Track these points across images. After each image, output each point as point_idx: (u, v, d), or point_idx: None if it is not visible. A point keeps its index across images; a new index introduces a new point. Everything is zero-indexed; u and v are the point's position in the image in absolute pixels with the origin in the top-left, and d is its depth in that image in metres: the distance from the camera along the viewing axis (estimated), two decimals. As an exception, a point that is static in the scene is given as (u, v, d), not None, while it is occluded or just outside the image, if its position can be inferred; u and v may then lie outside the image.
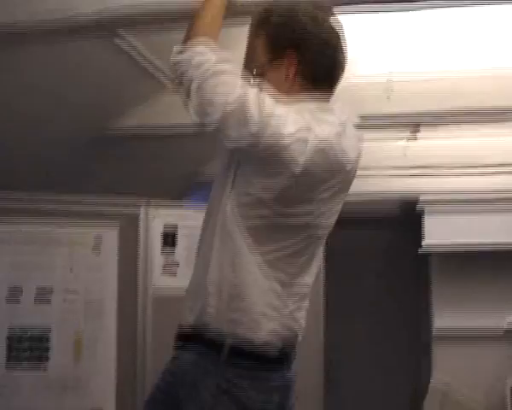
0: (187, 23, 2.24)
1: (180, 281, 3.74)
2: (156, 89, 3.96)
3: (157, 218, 3.92)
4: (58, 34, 2.66)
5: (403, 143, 4.92)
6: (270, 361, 2.13)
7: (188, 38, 2.13)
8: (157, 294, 3.92)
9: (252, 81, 2.10)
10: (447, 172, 5.21)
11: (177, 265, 3.98)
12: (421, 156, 5.03)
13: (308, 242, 2.16)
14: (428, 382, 6.40)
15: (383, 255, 7.43)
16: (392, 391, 7.15)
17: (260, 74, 2.12)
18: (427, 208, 6.19)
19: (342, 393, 6.47)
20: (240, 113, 1.97)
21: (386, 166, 5.07)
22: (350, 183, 2.21)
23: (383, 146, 4.97)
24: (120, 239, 3.82)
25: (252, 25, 2.19)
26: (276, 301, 2.11)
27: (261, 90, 2.03)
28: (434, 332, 6.61)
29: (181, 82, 2.09)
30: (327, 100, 2.14)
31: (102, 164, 4.44)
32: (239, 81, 2.03)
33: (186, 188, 5.59)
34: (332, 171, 2.09)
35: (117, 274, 3.82)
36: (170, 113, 4.03)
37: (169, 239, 3.96)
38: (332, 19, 2.15)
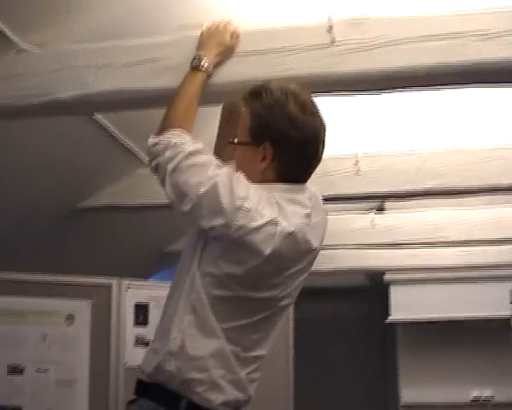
0: (164, 106, 2.34)
1: None
2: (133, 164, 4.01)
3: (129, 293, 3.98)
4: (37, 114, 2.72)
5: (371, 215, 5.04)
6: None
7: (164, 125, 2.21)
8: (129, 367, 3.93)
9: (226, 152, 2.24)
10: (413, 245, 5.24)
11: (149, 339, 3.96)
12: (388, 229, 5.06)
13: (269, 316, 2.20)
14: None
15: (352, 325, 7.44)
16: None
17: (238, 148, 2.18)
18: (393, 280, 6.34)
19: None
20: (212, 200, 2.03)
21: (355, 239, 5.10)
22: (312, 263, 2.26)
23: (352, 218, 5.05)
24: (93, 314, 3.87)
25: (243, 97, 2.22)
26: (233, 369, 2.15)
27: (234, 171, 2.09)
28: (401, 404, 6.69)
29: (156, 164, 2.15)
30: (297, 191, 2.17)
31: (76, 239, 4.46)
32: (211, 170, 2.07)
33: (157, 263, 5.62)
34: (294, 259, 2.14)
35: (89, 348, 3.86)
36: (144, 189, 4.05)
37: (141, 313, 4.02)
38: (315, 113, 2.18)
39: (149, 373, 2.18)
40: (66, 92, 2.54)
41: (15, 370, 3.64)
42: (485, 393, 6.47)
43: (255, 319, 2.17)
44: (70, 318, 3.81)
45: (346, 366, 7.35)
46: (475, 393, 6.53)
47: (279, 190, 2.12)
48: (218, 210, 2.02)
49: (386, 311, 6.44)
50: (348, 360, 7.38)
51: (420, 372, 6.65)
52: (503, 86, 2.48)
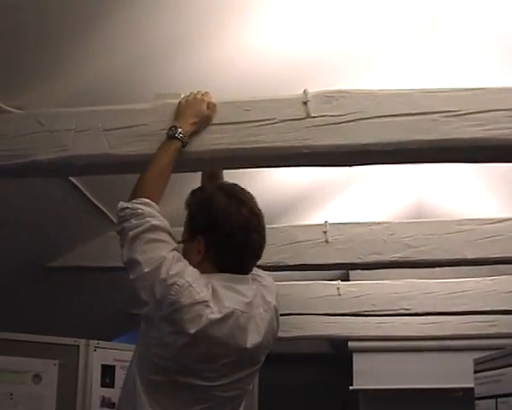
0: (141, 172, 2.40)
1: None
2: (104, 226, 4.00)
3: (96, 354, 3.97)
4: (15, 174, 2.73)
5: (337, 283, 5.08)
6: None
7: (135, 192, 2.29)
8: None
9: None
10: (377, 314, 5.25)
11: (115, 400, 3.91)
12: (353, 297, 5.10)
13: (214, 407, 2.19)
14: None
15: (316, 391, 7.45)
16: None
17: (183, 246, 2.25)
18: (356, 349, 6.37)
19: None
20: (152, 277, 2.10)
21: (321, 307, 5.13)
22: (257, 359, 2.27)
23: (318, 286, 5.09)
24: (60, 374, 3.84)
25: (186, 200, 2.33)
26: None
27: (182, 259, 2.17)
28: None
29: (121, 228, 2.22)
30: (236, 281, 2.22)
31: (43, 298, 4.44)
32: (165, 251, 2.15)
33: (123, 325, 5.60)
34: (229, 346, 2.15)
35: (55, 408, 3.82)
36: (114, 251, 4.02)
37: (107, 375, 4.00)
38: (253, 206, 2.27)
39: None
40: (45, 155, 2.57)
41: (-19, 426, 3.60)
42: None
43: (198, 408, 2.17)
44: (37, 377, 3.76)
45: None
46: None
47: (218, 279, 2.18)
48: (156, 285, 2.09)
49: (349, 378, 6.45)
50: None
51: None
52: (470, 162, 2.56)
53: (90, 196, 3.66)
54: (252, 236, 2.22)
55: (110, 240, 4.07)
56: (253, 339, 2.21)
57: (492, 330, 5.51)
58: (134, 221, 2.19)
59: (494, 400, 4.07)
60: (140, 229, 2.17)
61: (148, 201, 2.24)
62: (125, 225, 2.20)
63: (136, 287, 2.15)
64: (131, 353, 3.45)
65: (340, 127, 2.37)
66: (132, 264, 2.16)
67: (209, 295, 2.11)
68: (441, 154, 2.36)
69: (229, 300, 2.15)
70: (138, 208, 2.21)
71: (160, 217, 2.22)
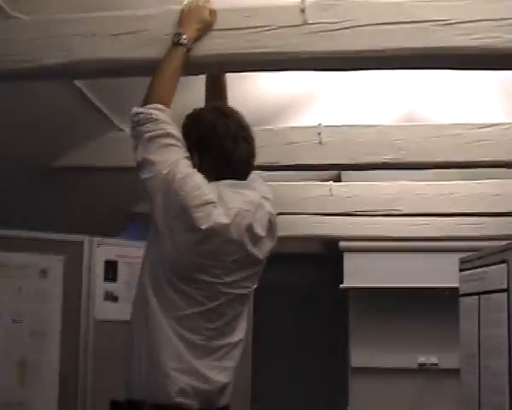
0: (146, 75, 2.53)
1: (121, 306, 4.08)
2: (105, 127, 4.11)
3: (99, 250, 4.11)
4: (23, 78, 2.83)
5: (329, 184, 5.15)
6: None
7: (147, 97, 2.45)
8: (99, 319, 4.09)
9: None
10: (367, 215, 5.33)
11: (117, 294, 4.17)
12: (345, 198, 5.17)
13: (224, 304, 2.37)
14: None
15: (306, 290, 7.60)
16: None
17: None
18: (347, 248, 6.48)
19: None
20: (166, 180, 2.27)
21: (313, 207, 5.21)
22: (260, 258, 2.47)
23: (311, 187, 5.16)
24: (65, 269, 3.99)
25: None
26: (186, 358, 2.32)
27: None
28: (351, 367, 6.84)
29: (136, 131, 2.40)
30: (239, 186, 2.41)
31: (47, 197, 4.53)
32: (179, 155, 2.35)
33: (123, 222, 5.75)
34: (234, 244, 2.34)
35: (61, 301, 3.97)
36: (114, 151, 4.18)
37: (110, 270, 4.15)
38: (240, 120, 2.47)
39: (124, 383, 2.40)
40: (53, 59, 2.66)
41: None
42: (431, 359, 6.65)
43: (209, 306, 2.34)
44: (43, 272, 3.90)
45: (299, 330, 7.51)
46: (422, 359, 6.70)
47: (222, 184, 2.36)
48: (169, 187, 2.27)
49: (339, 278, 6.57)
50: (302, 324, 7.52)
51: (370, 337, 6.78)
52: (459, 69, 2.69)
53: (90, 97, 3.71)
54: (240, 144, 2.43)
55: (110, 141, 4.21)
56: (257, 238, 2.41)
57: (480, 232, 5.56)
58: (149, 125, 2.36)
59: (477, 296, 4.24)
60: (156, 133, 2.35)
61: (161, 107, 2.40)
62: (141, 128, 2.38)
63: (148, 187, 2.32)
64: (133, 249, 3.66)
65: (335, 34, 2.47)
66: (146, 164, 2.32)
67: (216, 198, 2.29)
68: (431, 61, 2.47)
69: (234, 201, 2.34)
70: (152, 114, 2.38)
71: (173, 125, 2.39)
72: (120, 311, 4.03)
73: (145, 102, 2.45)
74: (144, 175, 2.34)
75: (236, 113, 2.51)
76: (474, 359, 4.21)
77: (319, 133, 3.88)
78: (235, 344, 2.46)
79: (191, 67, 2.57)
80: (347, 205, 5.21)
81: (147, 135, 2.36)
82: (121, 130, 4.16)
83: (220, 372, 2.40)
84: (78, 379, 3.95)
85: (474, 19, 2.39)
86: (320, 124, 3.89)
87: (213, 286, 2.34)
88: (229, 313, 2.41)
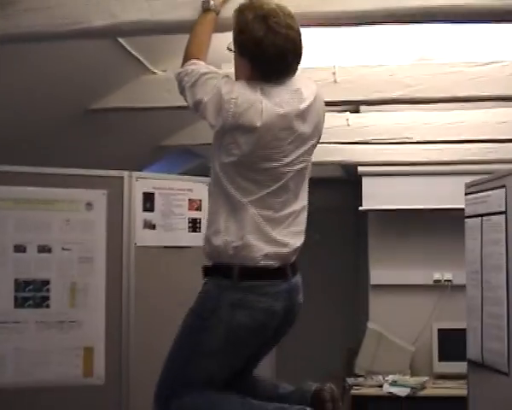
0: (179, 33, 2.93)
1: (158, 233, 4.41)
2: (138, 71, 4.39)
3: (138, 184, 4.38)
4: (71, 38, 3.17)
5: (346, 115, 5.44)
6: (270, 277, 2.79)
7: (185, 58, 2.86)
8: (139, 245, 4.36)
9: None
10: (383, 143, 5.64)
11: (155, 222, 4.44)
12: (361, 128, 5.47)
13: (288, 181, 2.78)
14: (365, 326, 6.94)
15: (328, 213, 7.67)
16: (335, 334, 7.78)
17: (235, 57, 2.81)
18: (365, 173, 6.67)
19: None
20: (212, 102, 2.70)
21: (332, 136, 5.42)
22: (312, 136, 2.85)
23: (329, 117, 5.45)
24: (108, 202, 4.26)
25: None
26: (265, 231, 2.76)
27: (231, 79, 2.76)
28: (371, 284, 7.11)
29: (181, 86, 2.83)
30: (281, 83, 2.75)
31: (85, 137, 4.92)
32: (216, 81, 2.73)
33: (154, 156, 6.14)
34: (287, 129, 2.72)
35: (105, 231, 4.26)
36: (146, 93, 4.49)
37: (148, 201, 4.40)
38: (286, 23, 2.71)
39: (208, 255, 2.83)
40: (97, 21, 3.00)
41: (44, 249, 4.06)
42: (446, 276, 6.87)
43: (275, 187, 2.76)
44: (89, 205, 4.19)
45: (321, 251, 7.62)
46: (437, 276, 6.92)
47: (266, 83, 2.73)
48: (218, 108, 2.69)
49: (358, 201, 6.76)
50: (323, 245, 7.66)
51: (388, 256, 7.01)
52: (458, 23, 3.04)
53: (125, 45, 3.98)
54: (288, 56, 2.72)
55: (143, 83, 4.52)
56: (305, 118, 2.79)
57: (491, 156, 5.80)
58: (187, 78, 2.78)
59: (480, 218, 4.60)
60: (192, 80, 2.76)
61: (194, 61, 2.80)
62: (183, 84, 2.80)
63: (205, 117, 2.73)
64: (167, 181, 4.07)
65: None
66: (197, 104, 2.75)
67: (260, 95, 2.69)
68: (433, 17, 2.82)
69: (280, 94, 2.74)
70: (188, 69, 2.79)
71: (206, 66, 2.80)
72: (157, 237, 4.40)
73: (184, 61, 2.86)
74: (199, 113, 2.77)
75: (282, 14, 2.71)
76: (478, 274, 4.59)
77: (334, 73, 4.18)
78: (300, 210, 2.88)
79: (220, 27, 2.93)
80: (363, 134, 5.51)
81: (187, 85, 2.78)
82: (153, 73, 4.49)
83: (293, 237, 2.84)
84: (122, 300, 4.27)
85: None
86: (335, 64, 4.20)
87: (276, 169, 2.75)
88: (292, 186, 2.81)
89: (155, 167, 6.34)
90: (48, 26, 3.07)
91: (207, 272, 2.86)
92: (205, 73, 2.77)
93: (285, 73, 2.78)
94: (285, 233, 2.81)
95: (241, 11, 2.76)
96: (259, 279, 2.77)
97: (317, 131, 2.90)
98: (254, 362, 3.01)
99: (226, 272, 2.77)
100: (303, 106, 2.78)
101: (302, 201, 2.89)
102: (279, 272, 2.81)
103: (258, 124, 2.66)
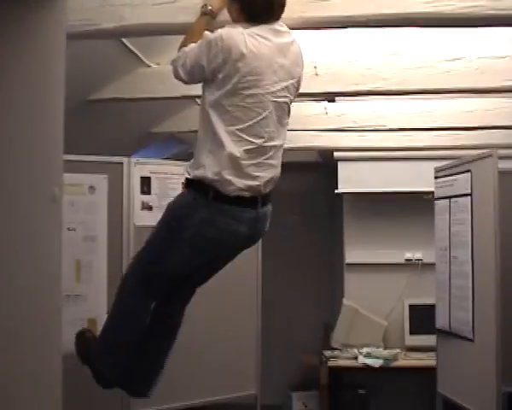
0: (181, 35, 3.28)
1: (155, 214, 4.62)
2: (134, 64, 4.65)
3: (136, 169, 4.73)
4: (84, 38, 3.45)
5: (324, 104, 5.70)
6: (241, 204, 3.18)
7: (180, 48, 3.24)
8: (137, 225, 4.71)
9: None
10: (358, 130, 5.89)
11: (152, 204, 4.80)
12: (338, 115, 5.71)
13: (271, 113, 3.15)
14: (341, 303, 7.26)
15: (305, 196, 8.03)
16: (312, 310, 8.00)
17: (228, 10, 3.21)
18: (341, 158, 6.94)
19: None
20: (204, 52, 3.12)
21: (311, 123, 5.74)
22: (293, 75, 3.23)
23: (308, 106, 5.70)
24: (109, 185, 4.59)
25: None
26: (242, 169, 3.13)
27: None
28: (346, 263, 7.41)
29: (175, 72, 3.23)
30: (268, 23, 3.14)
31: (84, 125, 5.20)
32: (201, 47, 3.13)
33: (144, 141, 6.44)
34: (270, 58, 3.11)
35: (107, 212, 4.57)
36: (141, 84, 4.76)
37: (145, 184, 4.75)
38: None
39: (191, 176, 3.19)
40: (109, 24, 3.31)
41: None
42: (416, 255, 7.20)
43: (264, 115, 3.14)
44: (91, 188, 4.50)
45: (299, 233, 8.03)
46: (408, 255, 7.25)
47: (257, 27, 3.14)
48: (207, 51, 3.09)
49: (334, 184, 7.01)
50: (301, 227, 8.06)
51: (362, 237, 7.32)
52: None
53: (122, 40, 4.21)
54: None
55: (138, 75, 4.78)
56: (287, 55, 3.20)
57: (458, 143, 6.03)
58: (179, 62, 3.20)
59: (448, 200, 4.98)
60: (183, 58, 3.19)
61: (186, 49, 3.20)
62: (176, 68, 3.22)
63: (202, 71, 3.14)
64: (164, 166, 4.39)
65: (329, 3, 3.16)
66: (191, 72, 3.17)
67: (241, 29, 3.09)
68: (402, 23, 3.21)
69: (265, 33, 3.13)
70: (178, 55, 3.22)
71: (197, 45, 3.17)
72: (155, 218, 4.61)
73: (179, 50, 3.25)
74: (197, 77, 3.20)
75: None
76: (446, 251, 4.99)
77: (315, 66, 4.48)
78: (280, 147, 3.27)
79: (216, 28, 3.25)
80: (340, 122, 5.75)
81: (179, 64, 3.21)
82: (148, 66, 4.76)
83: (267, 170, 3.21)
84: (122, 273, 4.48)
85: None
86: (316, 59, 4.51)
87: (262, 96, 3.12)
88: (276, 119, 3.20)
89: (142, 153, 6.62)
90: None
91: (188, 184, 3.24)
92: (191, 50, 3.18)
93: (269, 18, 3.17)
94: (262, 165, 3.19)
95: None
96: (230, 204, 3.16)
97: (297, 72, 3.28)
98: (195, 281, 3.47)
99: (203, 191, 3.15)
100: (283, 41, 3.17)
101: (282, 138, 3.28)
102: (250, 200, 3.20)
103: (244, 50, 3.05)
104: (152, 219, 4.66)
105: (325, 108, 5.77)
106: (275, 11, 3.16)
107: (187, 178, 3.24)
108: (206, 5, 3.21)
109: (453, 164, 4.93)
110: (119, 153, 4.84)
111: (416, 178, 6.66)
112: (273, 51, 3.13)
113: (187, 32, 3.26)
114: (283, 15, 3.20)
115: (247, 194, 3.16)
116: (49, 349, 2.22)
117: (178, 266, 3.33)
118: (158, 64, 4.80)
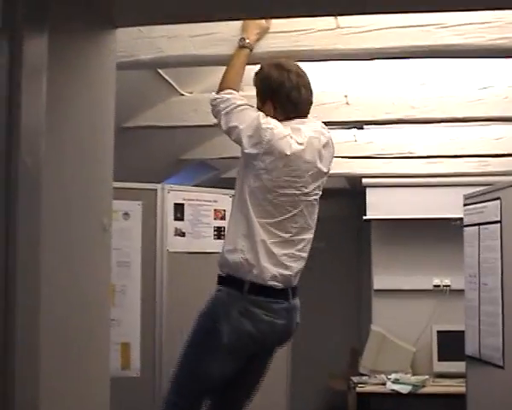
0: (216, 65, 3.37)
1: (187, 241, 4.83)
2: (168, 93, 4.74)
3: (170, 195, 4.79)
4: (123, 68, 3.45)
5: (353, 132, 5.77)
6: (275, 296, 3.26)
7: (221, 86, 3.31)
8: (171, 251, 4.78)
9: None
10: (386, 157, 5.96)
11: (185, 230, 4.86)
12: (367, 143, 5.81)
13: (302, 210, 3.28)
14: (368, 328, 7.29)
15: (333, 222, 7.83)
16: (340, 336, 8.07)
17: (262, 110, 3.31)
18: (369, 185, 7.01)
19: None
20: (249, 129, 3.18)
21: (340, 150, 5.50)
22: (324, 173, 3.36)
23: (338, 134, 5.57)
24: (143, 212, 4.67)
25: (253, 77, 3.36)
26: (275, 256, 3.23)
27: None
28: (373, 289, 7.43)
29: (216, 111, 3.28)
30: (301, 122, 3.29)
31: (119, 152, 5.28)
32: (250, 112, 3.24)
33: (175, 168, 6.56)
34: (309, 163, 3.25)
35: (141, 238, 4.65)
36: (173, 113, 4.84)
37: (178, 211, 4.82)
38: (297, 71, 3.30)
39: (222, 266, 3.27)
40: (146, 55, 3.40)
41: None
42: (444, 281, 7.18)
43: (294, 212, 3.25)
44: (126, 215, 4.55)
45: (327, 258, 7.91)
46: (436, 281, 7.26)
47: (293, 122, 3.28)
48: (255, 134, 3.18)
49: (362, 211, 7.09)
50: (329, 252, 7.96)
51: (390, 263, 7.34)
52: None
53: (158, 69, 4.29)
54: (301, 90, 3.30)
55: (171, 104, 4.86)
56: (322, 156, 3.32)
57: (488, 170, 6.10)
58: (223, 105, 3.25)
59: (478, 227, 5.00)
60: (229, 108, 3.23)
61: (231, 91, 3.27)
62: (218, 108, 3.28)
63: (240, 142, 3.21)
64: (196, 193, 4.46)
65: (362, 36, 3.23)
66: (231, 130, 3.24)
67: (290, 131, 3.20)
68: (429, 55, 3.27)
69: (305, 131, 3.26)
70: (224, 97, 3.26)
71: (240, 98, 3.27)
72: (187, 244, 4.84)
73: (220, 89, 3.32)
74: (233, 137, 3.25)
75: (295, 65, 3.32)
76: (475, 278, 5.00)
77: (346, 96, 4.57)
78: (309, 240, 3.37)
79: (253, 60, 3.37)
80: (369, 149, 5.86)
81: (223, 111, 3.26)
82: (181, 94, 4.85)
83: (297, 261, 3.31)
84: (155, 300, 4.68)
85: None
86: (347, 88, 4.59)
87: (297, 196, 3.24)
88: (306, 215, 3.31)
89: (173, 179, 6.71)
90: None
91: (221, 280, 3.29)
92: (240, 104, 3.26)
93: (302, 111, 3.32)
94: (293, 256, 3.28)
95: (257, 70, 3.37)
96: (265, 296, 3.23)
97: (328, 170, 3.41)
98: (244, 382, 3.45)
99: (238, 284, 3.21)
100: (323, 145, 3.30)
101: (312, 231, 3.38)
102: (282, 292, 3.27)
103: (288, 153, 3.16)
104: (184, 245, 4.83)
105: (354, 136, 5.86)
106: (309, 107, 3.37)
107: (219, 275, 3.29)
108: (243, 38, 3.30)
109: (482, 191, 4.95)
110: (150, 179, 4.92)
111: (444, 205, 6.70)
112: (314, 155, 3.26)
113: (227, 65, 3.35)
114: (318, 45, 3.28)
115: (279, 285, 3.24)
116: (99, 371, 2.29)
117: (217, 373, 3.31)
118: (191, 93, 4.89)
